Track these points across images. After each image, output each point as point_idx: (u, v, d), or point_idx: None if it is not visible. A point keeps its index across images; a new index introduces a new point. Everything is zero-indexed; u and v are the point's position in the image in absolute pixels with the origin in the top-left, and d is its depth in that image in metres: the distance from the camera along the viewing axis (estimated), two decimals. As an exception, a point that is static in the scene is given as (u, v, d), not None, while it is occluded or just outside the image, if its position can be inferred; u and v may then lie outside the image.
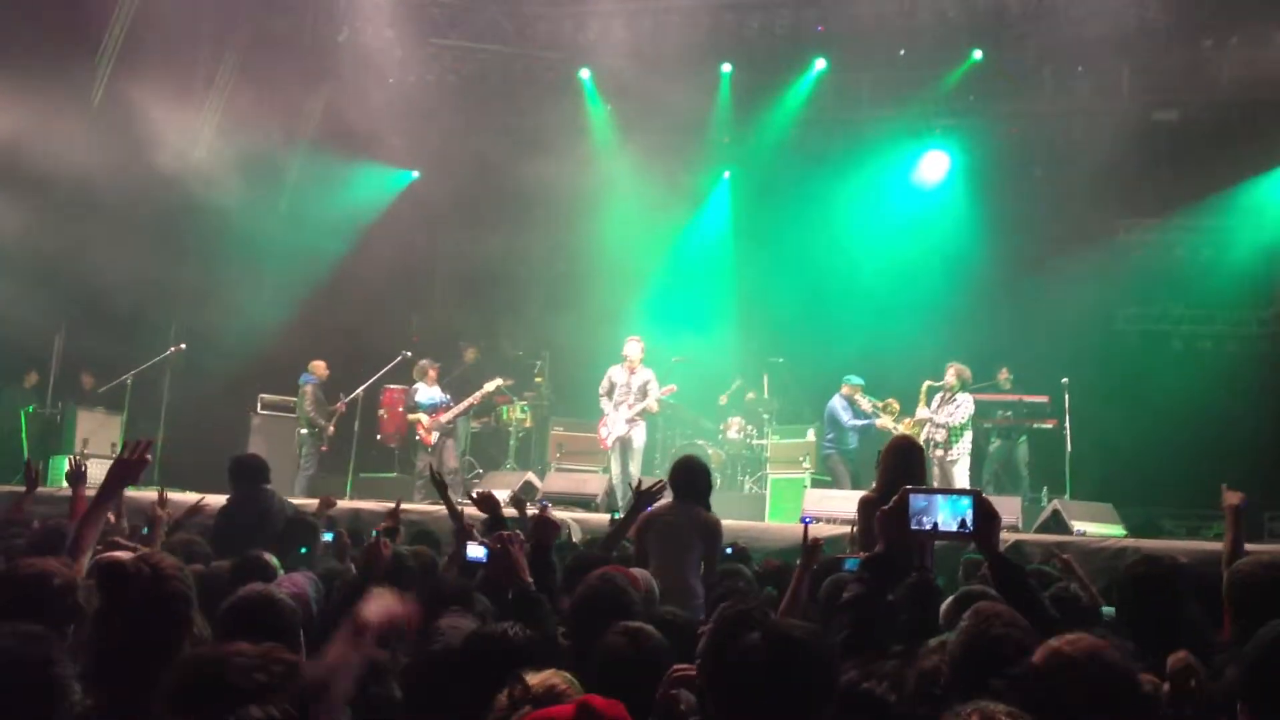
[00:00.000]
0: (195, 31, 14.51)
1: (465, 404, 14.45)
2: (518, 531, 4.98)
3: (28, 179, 13.18)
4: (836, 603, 4.64)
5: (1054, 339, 14.22)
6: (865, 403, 13.83)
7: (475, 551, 5.00)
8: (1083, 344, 14.50)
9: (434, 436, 14.28)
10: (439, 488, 7.64)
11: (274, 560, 5.33)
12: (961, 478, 12.53)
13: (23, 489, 7.47)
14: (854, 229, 16.14)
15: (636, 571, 5.31)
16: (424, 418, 14.32)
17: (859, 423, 13.74)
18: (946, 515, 3.72)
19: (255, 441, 14.39)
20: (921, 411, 13.04)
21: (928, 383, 13.17)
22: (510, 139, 16.90)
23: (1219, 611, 4.43)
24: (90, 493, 7.94)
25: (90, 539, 4.59)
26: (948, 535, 3.75)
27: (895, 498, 3.78)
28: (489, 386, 14.52)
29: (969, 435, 12.78)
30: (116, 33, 14.67)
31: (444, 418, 14.30)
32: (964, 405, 12.77)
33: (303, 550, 6.66)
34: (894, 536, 3.76)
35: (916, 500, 3.73)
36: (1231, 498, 5.80)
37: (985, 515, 3.72)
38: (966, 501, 3.73)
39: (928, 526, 3.72)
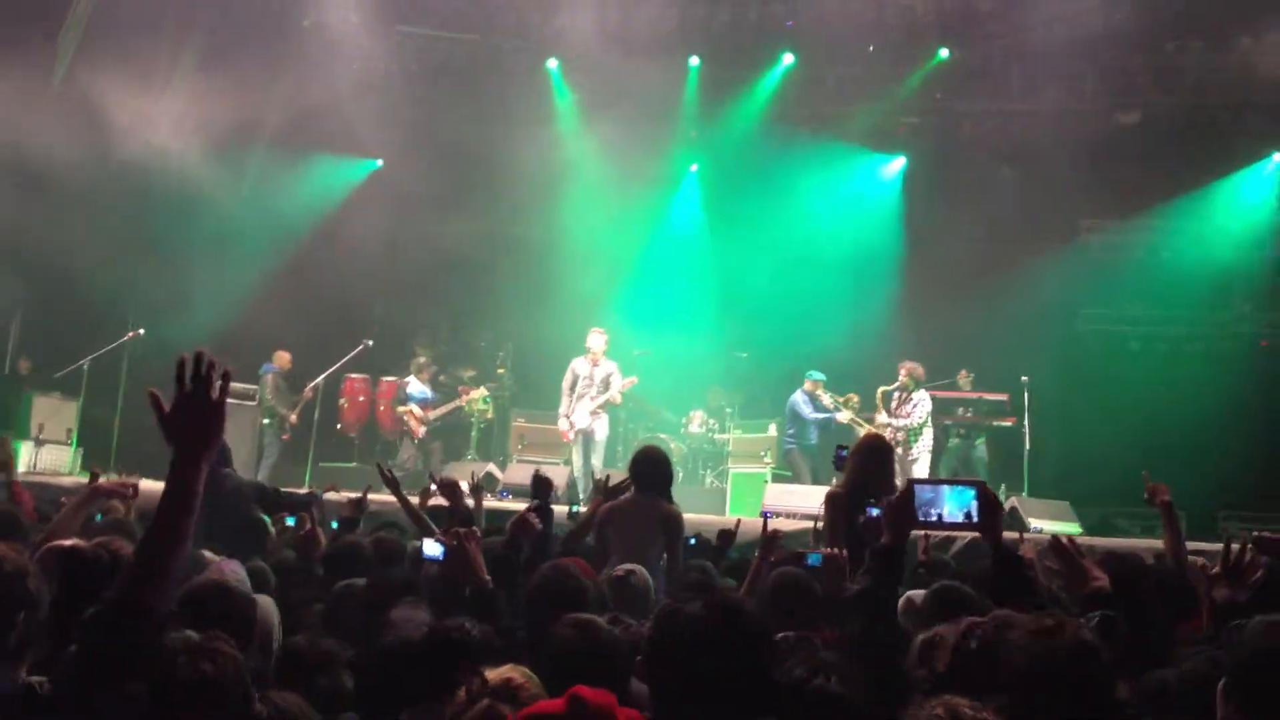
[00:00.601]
0: (159, 15, 14.34)
1: (451, 405, 14.69)
2: (475, 529, 4.94)
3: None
4: (789, 592, 4.71)
5: (1015, 337, 14.30)
6: (826, 398, 13.89)
7: (432, 549, 4.95)
8: (1044, 343, 14.60)
9: (422, 430, 14.50)
10: (390, 484, 7.57)
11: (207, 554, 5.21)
12: (921, 475, 12.54)
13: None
14: (819, 226, 16.21)
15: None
16: (415, 409, 14.48)
17: (820, 416, 13.80)
18: (952, 506, 3.78)
19: (217, 430, 14.24)
20: (880, 418, 13.05)
21: (881, 389, 13.23)
22: (476, 128, 16.83)
23: (1174, 608, 4.51)
24: (27, 478, 7.88)
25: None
26: (954, 526, 3.82)
27: (902, 490, 3.82)
28: (476, 394, 14.74)
29: (929, 433, 12.90)
30: (80, 11, 14.50)
31: (431, 415, 14.50)
32: (920, 404, 12.86)
33: (290, 521, 6.72)
34: (902, 528, 3.78)
35: (922, 491, 3.78)
36: (1159, 492, 5.86)
37: (989, 506, 3.79)
38: (971, 493, 3.79)
39: (934, 518, 3.77)
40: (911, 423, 12.80)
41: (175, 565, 2.78)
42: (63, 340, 14.52)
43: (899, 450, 12.65)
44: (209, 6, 15.36)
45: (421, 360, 14.97)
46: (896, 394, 13.08)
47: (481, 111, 17.08)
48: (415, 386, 14.73)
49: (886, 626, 3.64)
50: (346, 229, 16.40)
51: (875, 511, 4.88)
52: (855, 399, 13.80)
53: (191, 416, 2.86)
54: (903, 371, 12.98)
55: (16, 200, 13.35)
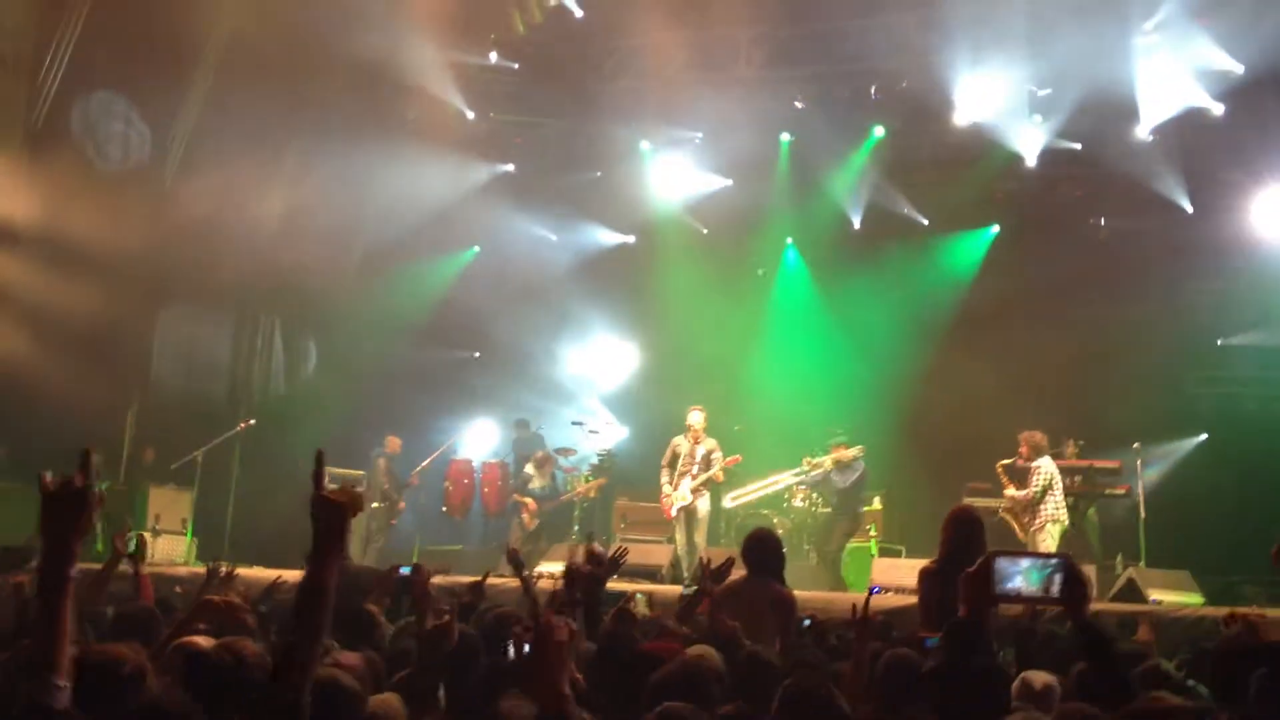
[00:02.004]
0: (265, 110, 14.82)
1: (567, 498, 14.92)
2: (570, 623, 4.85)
3: (96, 258, 13.46)
4: (897, 677, 4.55)
5: (1123, 403, 13.99)
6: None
7: None
8: (1153, 407, 14.26)
9: (535, 524, 14.78)
10: (515, 567, 7.57)
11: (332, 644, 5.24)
12: (1045, 547, 12.12)
13: (101, 567, 7.44)
14: (921, 294, 16.13)
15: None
16: (529, 502, 14.62)
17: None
18: (1033, 581, 3.62)
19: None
20: (1008, 491, 12.58)
21: (1001, 463, 12.85)
22: (569, 212, 17.20)
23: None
24: (150, 570, 8.05)
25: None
26: (1034, 601, 3.65)
27: (981, 560, 3.68)
28: (591, 486, 15.11)
29: (1050, 501, 12.29)
30: (190, 110, 15.04)
31: (547, 507, 14.67)
32: (1037, 473, 12.33)
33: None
34: (978, 603, 3.64)
35: (1002, 565, 3.63)
36: None
37: (1074, 581, 3.59)
38: (1054, 566, 3.62)
39: (1013, 592, 3.62)
40: (1030, 494, 12.30)
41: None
42: (177, 432, 14.89)
43: (1025, 518, 12.30)
44: (314, 104, 15.83)
45: (540, 455, 15.18)
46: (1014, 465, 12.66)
47: (576, 196, 17.37)
48: (536, 483, 14.96)
49: (967, 707, 3.50)
50: (445, 315, 16.72)
51: (876, 590, 4.69)
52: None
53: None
54: (1021, 443, 12.58)
55: (130, 298, 13.82)
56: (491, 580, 8.17)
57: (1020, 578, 3.60)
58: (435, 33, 14.96)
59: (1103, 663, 3.65)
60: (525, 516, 14.83)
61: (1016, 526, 12.28)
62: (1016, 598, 3.64)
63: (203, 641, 3.90)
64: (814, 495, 14.68)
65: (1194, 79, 13.97)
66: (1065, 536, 12.29)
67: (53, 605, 2.77)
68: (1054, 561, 3.63)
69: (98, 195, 13.71)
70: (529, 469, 15.12)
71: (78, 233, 13.37)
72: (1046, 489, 12.03)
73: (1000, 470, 12.67)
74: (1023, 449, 12.35)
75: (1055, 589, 3.58)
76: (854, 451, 13.62)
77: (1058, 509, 11.99)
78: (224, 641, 3.72)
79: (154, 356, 15.48)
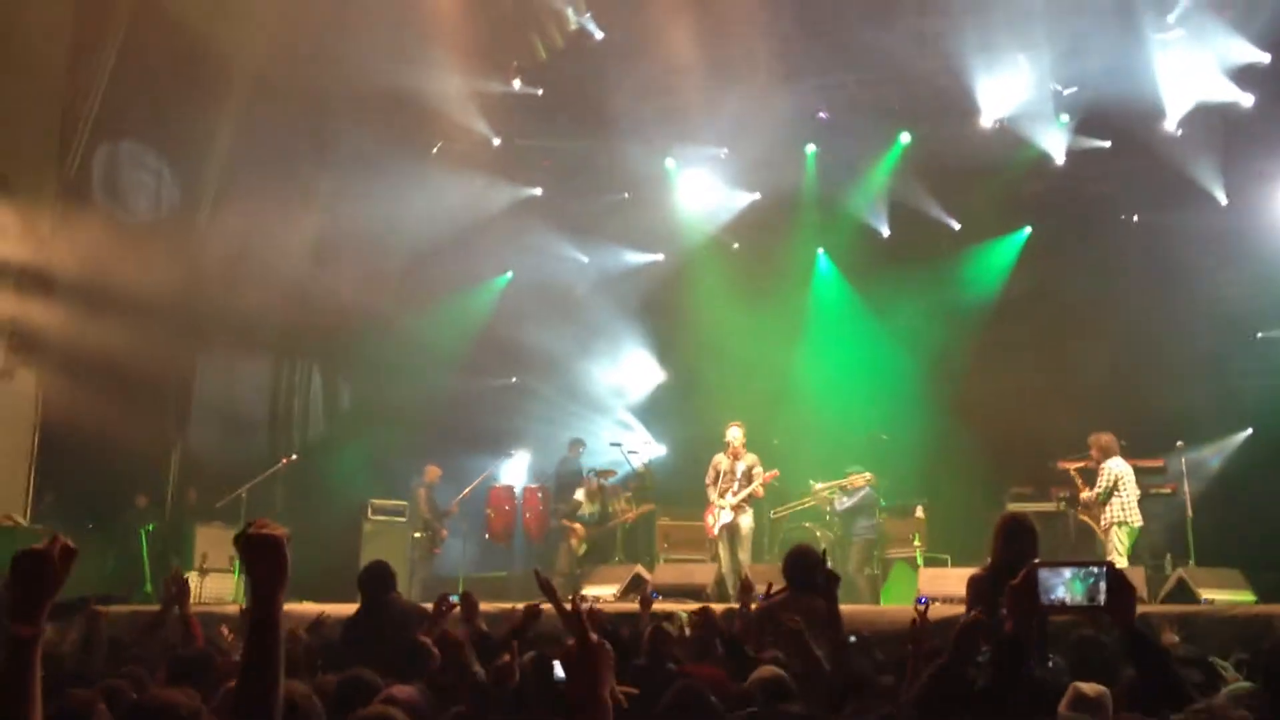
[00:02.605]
0: (294, 148, 14.97)
1: (617, 523, 14.93)
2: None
3: (134, 303, 13.61)
4: (946, 691, 4.47)
5: (1166, 399, 13.85)
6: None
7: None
8: (1196, 402, 14.11)
9: (584, 549, 14.75)
10: (547, 592, 7.55)
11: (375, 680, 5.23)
12: (1113, 548, 11.91)
13: (157, 608, 7.48)
14: (956, 300, 16.08)
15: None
16: (577, 527, 14.63)
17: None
18: (1077, 590, 3.57)
19: (368, 549, 14.62)
20: (1084, 495, 12.49)
21: (1074, 466, 12.75)
22: (599, 233, 17.28)
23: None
24: (199, 609, 8.10)
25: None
26: (1078, 610, 3.59)
27: (1023, 572, 3.63)
28: (643, 509, 15.09)
29: (1115, 502, 12.11)
30: (221, 151, 15.19)
31: (595, 532, 14.68)
32: (1104, 474, 12.19)
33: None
34: (1023, 614, 3.58)
35: (1044, 575, 3.58)
36: None
37: (1119, 589, 3.53)
38: (1098, 573, 3.56)
39: (1058, 602, 3.57)
40: (1095, 494, 12.18)
41: None
42: (222, 470, 15.01)
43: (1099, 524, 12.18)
44: (341, 141, 15.96)
45: (594, 482, 15.19)
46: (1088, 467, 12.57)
47: (604, 217, 17.44)
48: (587, 508, 14.96)
49: None
50: (484, 342, 16.81)
51: (924, 601, 4.63)
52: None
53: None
54: (1090, 445, 12.47)
55: (168, 341, 13.96)
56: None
57: (1063, 587, 3.56)
58: (458, 61, 15.06)
59: (1154, 670, 3.56)
60: (574, 541, 14.83)
61: (1096, 529, 12.24)
62: (1062, 608, 3.58)
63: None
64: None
65: (1220, 70, 13.86)
66: (1135, 536, 12.07)
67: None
68: (1098, 569, 3.58)
69: (132, 240, 13.87)
70: (579, 495, 15.08)
71: (114, 278, 13.51)
72: (1111, 490, 11.90)
73: (1074, 472, 12.59)
74: (1093, 451, 12.27)
75: (1101, 597, 3.53)
76: (861, 479, 13.61)
77: (1124, 510, 11.83)
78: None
79: (195, 397, 15.61)
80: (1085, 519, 12.45)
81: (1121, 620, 3.58)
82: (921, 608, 6.21)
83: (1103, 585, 3.53)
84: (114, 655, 6.87)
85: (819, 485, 13.94)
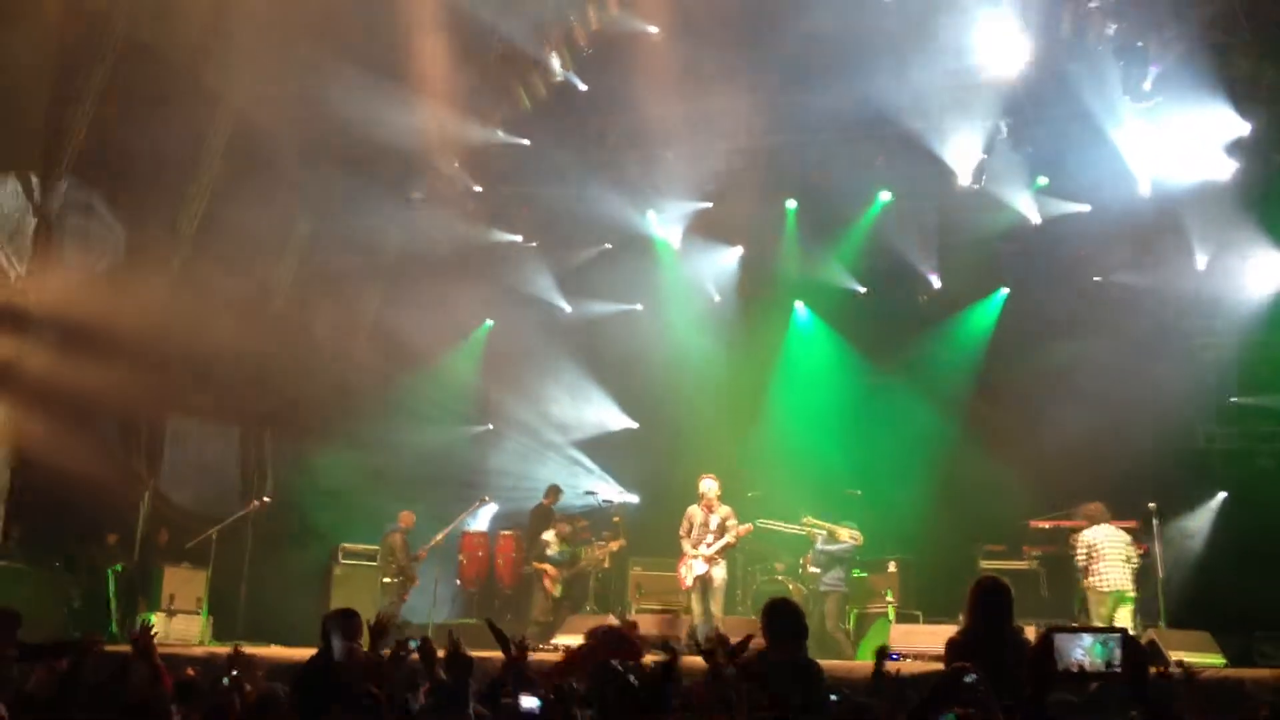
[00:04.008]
0: (272, 196, 14.96)
1: (588, 562, 14.85)
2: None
3: (109, 343, 13.56)
4: None
5: (1137, 462, 13.93)
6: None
7: (529, 703, 4.88)
8: (1168, 466, 14.20)
9: (558, 590, 14.59)
10: (499, 639, 7.52)
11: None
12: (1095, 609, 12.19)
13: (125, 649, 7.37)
14: (932, 357, 16.19)
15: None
16: (549, 569, 14.53)
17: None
18: (1097, 655, 3.57)
19: (338, 593, 14.52)
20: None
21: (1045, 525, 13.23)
22: (582, 282, 17.35)
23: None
24: (165, 650, 8.01)
25: None
26: (1094, 677, 3.59)
27: (1040, 638, 3.62)
28: (613, 546, 14.95)
29: (1093, 570, 12.29)
30: (197, 194, 15.17)
31: (567, 574, 14.58)
32: (1079, 545, 12.45)
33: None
34: (1040, 681, 3.58)
35: (1062, 641, 3.58)
36: None
37: (1135, 656, 3.55)
38: (1113, 642, 3.57)
39: (1075, 668, 3.57)
40: (1078, 563, 12.48)
41: None
42: (193, 511, 14.90)
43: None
44: (321, 184, 15.97)
45: (563, 525, 15.12)
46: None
47: (583, 267, 17.52)
48: (555, 549, 14.88)
49: None
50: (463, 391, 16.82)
51: (895, 657, 4.59)
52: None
53: None
54: (1079, 513, 12.76)
55: (142, 382, 13.89)
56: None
57: (1083, 652, 3.56)
58: (443, 108, 15.15)
59: None
60: (547, 583, 14.74)
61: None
62: (1080, 674, 3.59)
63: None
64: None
65: (1202, 138, 14.02)
66: (1119, 602, 12.18)
67: None
68: (1115, 635, 3.59)
69: (108, 280, 13.84)
70: (548, 536, 15.02)
71: (90, 318, 13.47)
72: (1088, 559, 12.22)
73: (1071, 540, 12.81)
74: (1081, 520, 12.50)
75: (1117, 664, 3.53)
76: (848, 535, 13.63)
77: (1097, 578, 12.12)
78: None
79: (167, 438, 15.51)
80: None
81: (1138, 689, 3.61)
82: (894, 663, 6.21)
83: (1118, 652, 3.54)
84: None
85: (811, 520, 13.88)
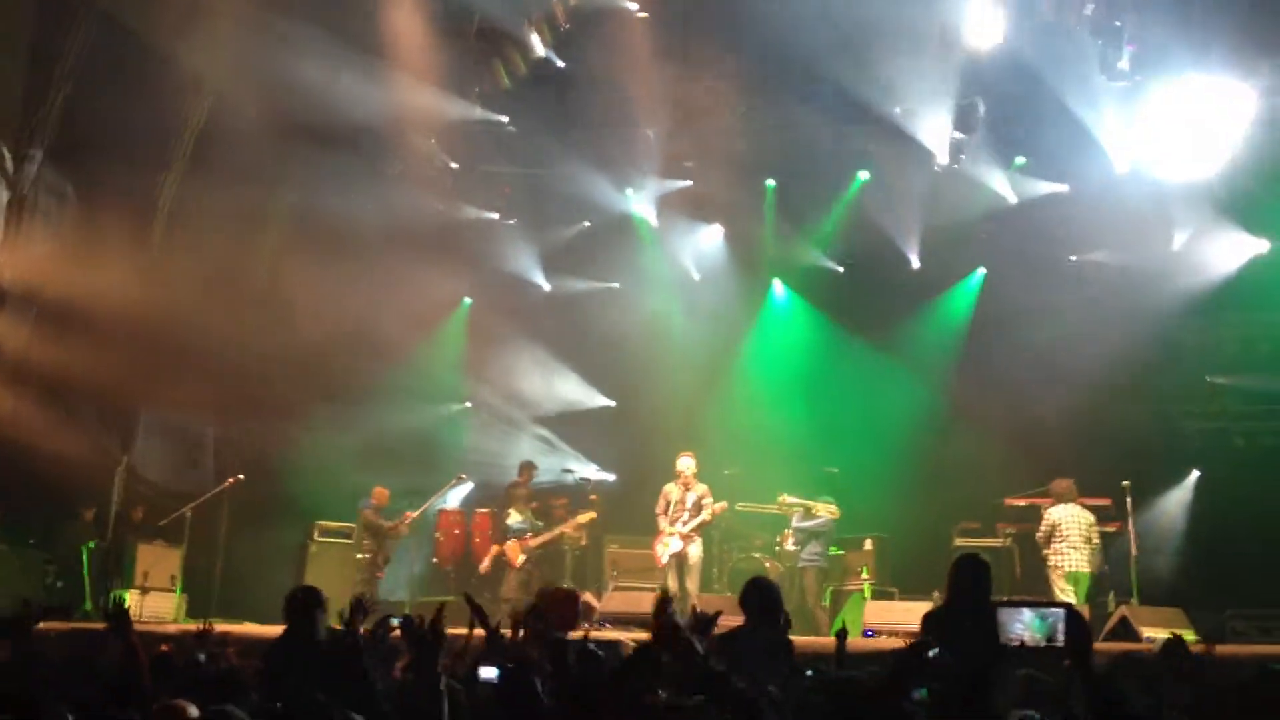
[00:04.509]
0: (250, 174, 14.85)
1: (556, 532, 14.52)
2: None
3: (84, 320, 13.48)
4: None
5: (1114, 440, 14.03)
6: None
7: (488, 672, 4.88)
8: (1144, 444, 14.30)
9: (520, 559, 14.35)
10: (477, 614, 7.49)
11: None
12: (1054, 587, 12.40)
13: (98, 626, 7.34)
14: (909, 335, 16.22)
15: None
16: (509, 546, 14.43)
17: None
18: (1037, 629, 3.56)
19: (313, 570, 14.48)
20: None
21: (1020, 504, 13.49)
22: (561, 260, 17.31)
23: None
24: (139, 628, 7.95)
25: None
26: (1037, 650, 3.58)
27: (988, 616, 3.60)
28: (583, 519, 14.61)
29: (1053, 547, 12.49)
30: (175, 172, 15.06)
31: (533, 543, 14.37)
32: (1044, 521, 12.64)
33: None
34: (988, 658, 3.56)
35: (1003, 614, 3.58)
36: None
37: (1078, 631, 3.53)
38: (1057, 615, 3.56)
39: (1016, 640, 3.56)
40: (1039, 539, 12.67)
41: None
42: (167, 488, 14.83)
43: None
44: (299, 159, 15.87)
45: (521, 492, 14.99)
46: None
47: (564, 245, 17.48)
48: (515, 518, 14.70)
49: None
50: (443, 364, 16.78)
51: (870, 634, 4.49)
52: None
53: None
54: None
55: (117, 358, 13.81)
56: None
57: (1023, 627, 3.56)
58: (420, 87, 15.06)
59: (1108, 712, 3.53)
60: (510, 554, 14.53)
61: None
62: (1020, 647, 3.57)
63: (190, 709, 3.87)
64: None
65: (1178, 118, 14.02)
66: (1075, 581, 12.35)
67: None
68: (1057, 610, 3.59)
69: (84, 256, 13.72)
70: (510, 508, 14.87)
71: (65, 294, 13.39)
72: (1049, 536, 12.54)
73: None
74: (1050, 498, 12.69)
75: (1059, 638, 3.52)
76: (825, 510, 13.67)
77: (1058, 556, 12.44)
78: (214, 710, 3.70)
79: (141, 415, 15.44)
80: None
81: (1081, 663, 3.57)
82: (839, 641, 6.24)
83: (1061, 626, 3.53)
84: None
85: (787, 498, 13.93)
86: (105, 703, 5.00)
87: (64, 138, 13.85)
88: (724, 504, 13.47)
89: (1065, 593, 12.12)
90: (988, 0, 13.64)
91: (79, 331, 13.52)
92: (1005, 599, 3.68)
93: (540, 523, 14.67)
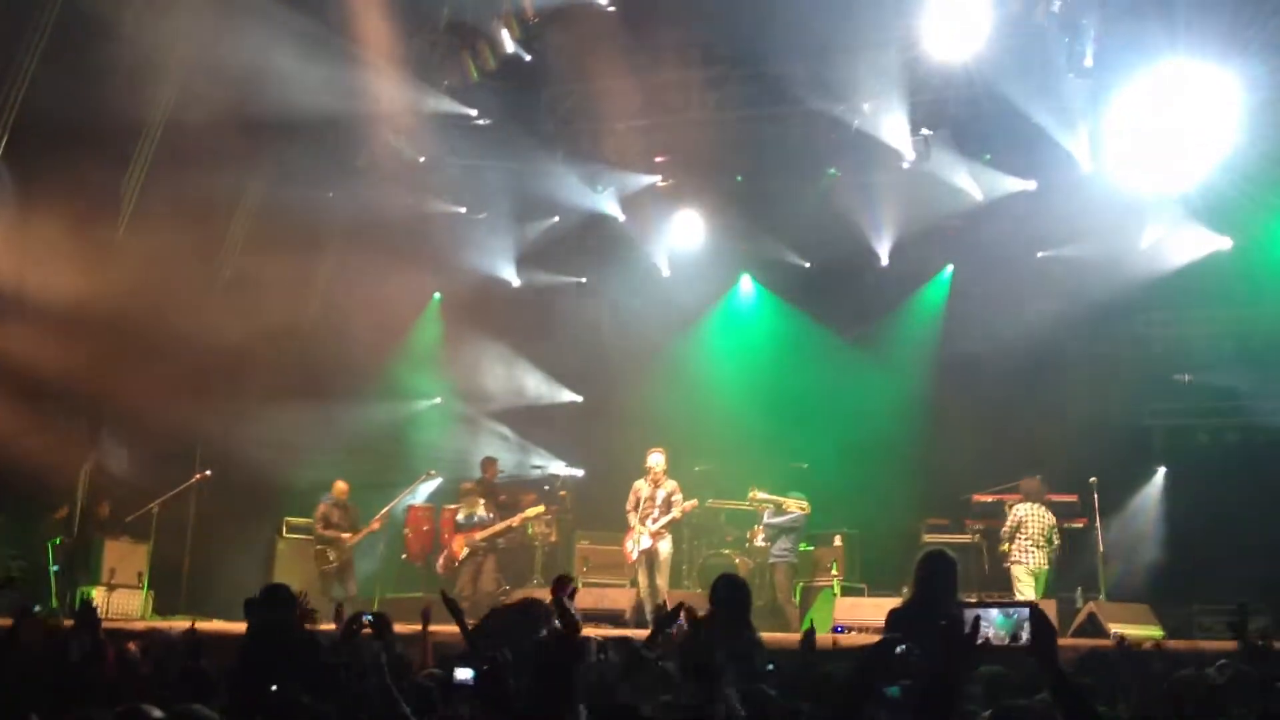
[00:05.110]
0: (216, 163, 14.72)
1: (503, 525, 14.47)
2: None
3: (50, 311, 13.34)
4: None
5: (1080, 437, 14.12)
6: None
7: (463, 674, 4.87)
8: (1109, 441, 14.40)
9: (464, 552, 14.27)
10: (453, 612, 7.49)
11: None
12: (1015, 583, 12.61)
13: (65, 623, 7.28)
14: (875, 330, 16.29)
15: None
16: (456, 540, 14.40)
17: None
18: (1002, 628, 3.56)
19: (281, 567, 14.41)
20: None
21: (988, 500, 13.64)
22: (529, 255, 17.29)
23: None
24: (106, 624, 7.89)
25: None
26: (1001, 650, 3.58)
27: (951, 617, 3.59)
28: (530, 512, 14.57)
29: (1016, 542, 12.64)
30: (141, 162, 14.92)
31: (479, 535, 14.31)
32: (1010, 517, 12.81)
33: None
34: (957, 656, 3.55)
35: (968, 615, 3.57)
36: None
37: (1043, 629, 3.55)
38: (1021, 614, 3.56)
39: (982, 640, 3.56)
40: (1002, 535, 12.81)
41: None
42: (132, 485, 14.70)
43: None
44: (265, 151, 15.74)
45: (467, 487, 14.96)
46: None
47: (533, 240, 17.45)
48: (462, 514, 14.70)
49: None
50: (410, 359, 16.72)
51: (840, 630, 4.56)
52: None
53: None
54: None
55: (85, 351, 13.68)
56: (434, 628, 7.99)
57: (986, 624, 3.55)
58: (389, 80, 14.97)
59: (1076, 711, 3.53)
60: (455, 546, 14.55)
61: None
62: (984, 646, 3.57)
63: (154, 712, 3.83)
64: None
65: (1144, 114, 14.08)
66: (1036, 578, 12.50)
67: None
68: (1022, 609, 3.58)
69: (47, 247, 13.56)
70: (460, 506, 14.82)
71: (25, 285, 13.24)
72: (1014, 533, 12.72)
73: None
74: (1017, 495, 12.87)
75: (1025, 637, 3.52)
76: (796, 505, 13.71)
77: (1020, 553, 12.64)
78: (181, 709, 3.67)
79: (108, 409, 15.29)
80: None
81: (1046, 662, 3.57)
82: (805, 633, 6.28)
83: (1027, 625, 3.53)
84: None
85: (758, 494, 13.96)
86: (70, 701, 4.93)
87: (27, 129, 13.68)
88: (694, 502, 13.51)
89: (1025, 589, 12.35)
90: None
91: (45, 323, 13.38)
92: (971, 600, 3.67)
93: (491, 515, 14.62)
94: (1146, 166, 14.30)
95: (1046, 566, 12.63)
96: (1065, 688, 3.56)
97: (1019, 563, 12.58)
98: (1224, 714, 4.42)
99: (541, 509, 14.83)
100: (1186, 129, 13.69)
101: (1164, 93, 13.58)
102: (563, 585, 7.53)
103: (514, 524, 14.55)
